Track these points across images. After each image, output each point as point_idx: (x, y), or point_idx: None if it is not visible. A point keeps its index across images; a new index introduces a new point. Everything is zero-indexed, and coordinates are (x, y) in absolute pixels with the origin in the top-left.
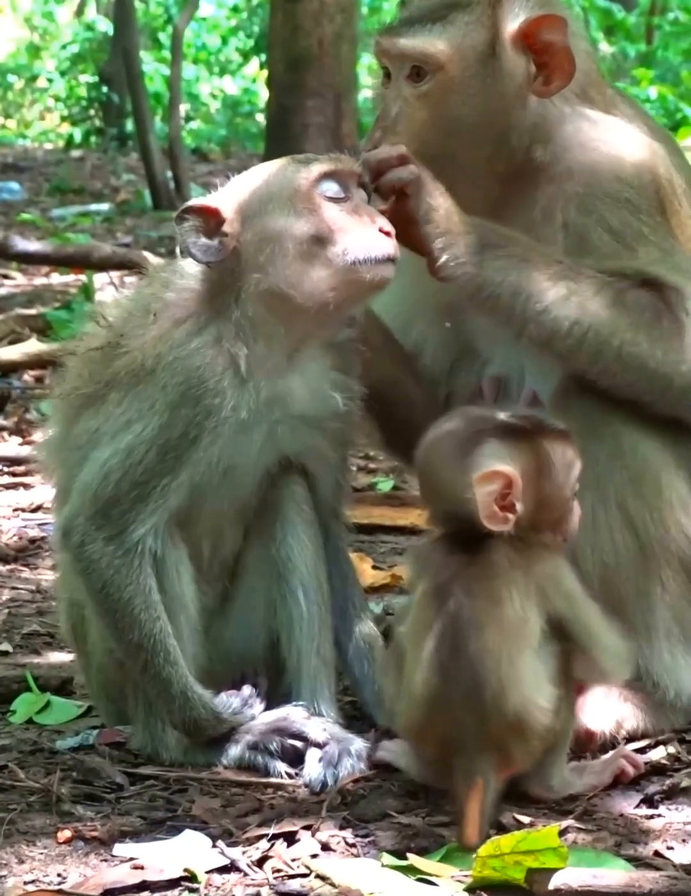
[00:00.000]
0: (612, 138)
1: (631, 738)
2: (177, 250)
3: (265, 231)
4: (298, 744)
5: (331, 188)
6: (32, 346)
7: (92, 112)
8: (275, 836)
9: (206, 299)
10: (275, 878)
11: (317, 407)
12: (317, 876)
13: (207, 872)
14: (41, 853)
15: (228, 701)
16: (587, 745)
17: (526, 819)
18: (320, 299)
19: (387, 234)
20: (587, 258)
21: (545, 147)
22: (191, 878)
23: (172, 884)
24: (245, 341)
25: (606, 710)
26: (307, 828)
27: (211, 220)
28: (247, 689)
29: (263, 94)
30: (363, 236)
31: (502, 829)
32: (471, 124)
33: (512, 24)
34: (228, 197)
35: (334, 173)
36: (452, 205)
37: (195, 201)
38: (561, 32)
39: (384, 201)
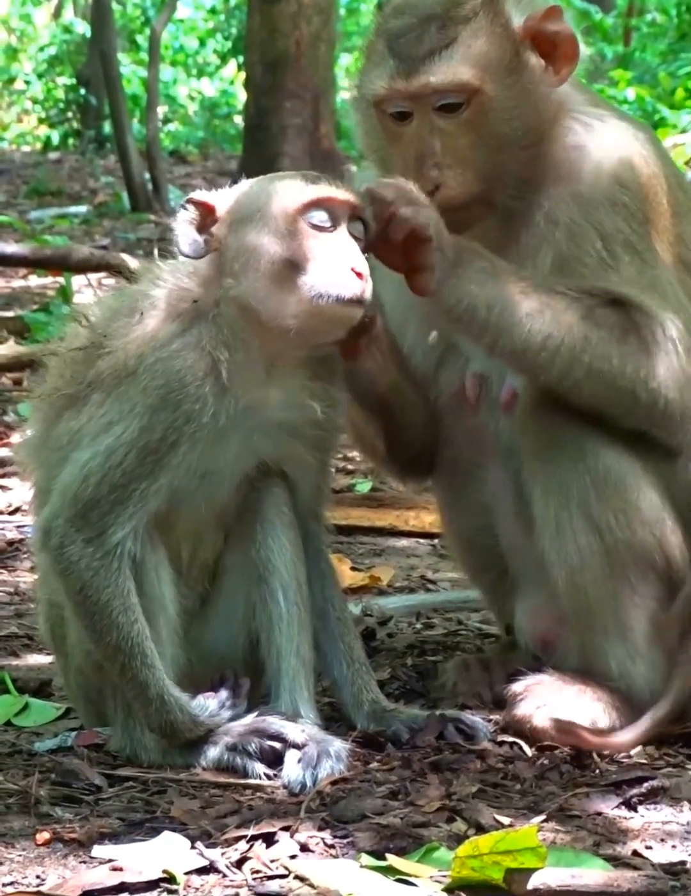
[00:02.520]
0: (612, 138)
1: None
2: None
3: (246, 240)
4: (277, 745)
5: (319, 216)
6: (10, 348)
7: (69, 114)
8: (253, 838)
9: (193, 299)
10: (253, 879)
11: (295, 416)
12: (296, 877)
13: (186, 874)
14: (20, 855)
15: (205, 703)
16: (561, 744)
17: (505, 819)
18: (282, 323)
19: (360, 275)
20: (573, 260)
21: (557, 142)
22: (169, 879)
23: (151, 885)
24: (226, 346)
25: (580, 709)
26: (286, 829)
27: (206, 217)
28: (224, 692)
29: (241, 96)
30: (334, 272)
31: (481, 829)
32: (517, 135)
33: (518, 23)
34: (227, 197)
35: (326, 201)
36: (445, 245)
37: (198, 194)
38: (563, 20)
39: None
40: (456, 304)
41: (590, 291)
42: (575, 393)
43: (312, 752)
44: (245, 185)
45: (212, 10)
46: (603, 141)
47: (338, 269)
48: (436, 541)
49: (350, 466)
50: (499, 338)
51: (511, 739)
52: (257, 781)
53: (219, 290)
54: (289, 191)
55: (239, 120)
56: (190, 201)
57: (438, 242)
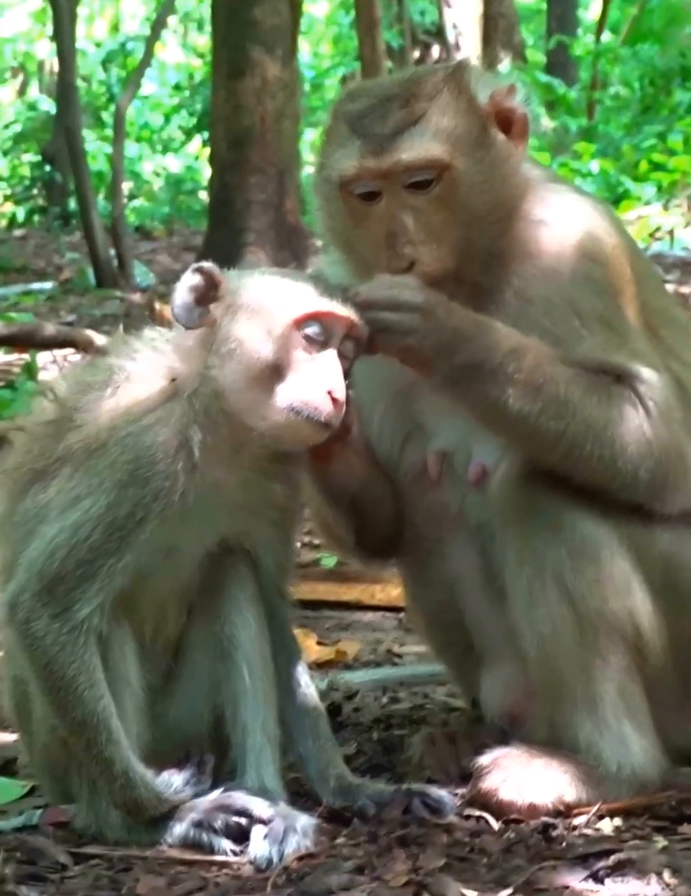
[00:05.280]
0: (575, 212)
1: (572, 811)
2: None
3: (239, 329)
4: (243, 821)
5: (313, 329)
6: None
7: (35, 191)
8: None
9: (173, 375)
10: None
11: (257, 497)
12: None
13: None
14: None
15: (170, 780)
16: (528, 818)
17: (472, 893)
18: (247, 420)
19: (335, 401)
20: (552, 338)
21: (523, 218)
22: None
23: None
24: (198, 425)
25: (547, 782)
26: None
27: (211, 290)
28: (189, 768)
29: (206, 172)
30: (311, 391)
31: None
32: (487, 210)
33: (482, 98)
34: (235, 280)
35: (325, 316)
36: (441, 326)
37: (209, 265)
38: (515, 96)
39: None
40: (459, 400)
41: (599, 365)
42: (575, 473)
43: (279, 828)
44: (256, 273)
45: (177, 87)
46: (567, 216)
47: (315, 388)
48: (401, 615)
49: (315, 541)
50: (510, 431)
51: (477, 813)
52: (223, 858)
53: (201, 367)
54: (294, 296)
55: (204, 195)
56: (200, 270)
57: (433, 349)
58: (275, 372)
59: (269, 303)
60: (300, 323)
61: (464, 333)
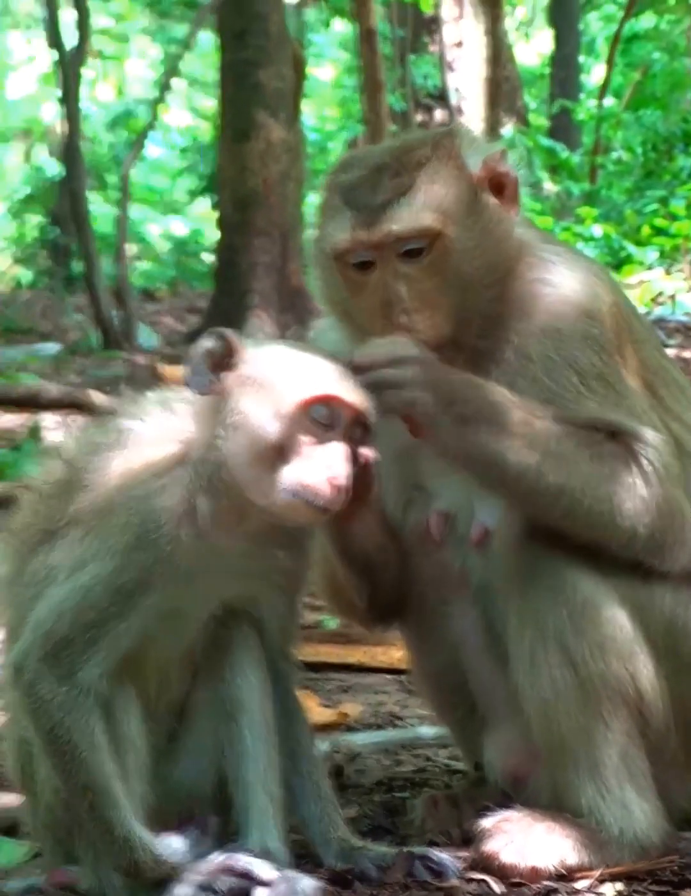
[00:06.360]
0: (573, 272)
1: (574, 875)
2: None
3: (248, 403)
4: (246, 883)
5: (320, 412)
6: None
7: (41, 253)
8: None
9: (181, 437)
10: None
11: (263, 563)
12: None
13: None
14: None
15: (171, 843)
16: (530, 881)
17: None
18: (248, 494)
19: (337, 488)
20: (552, 395)
21: (520, 278)
22: None
23: None
24: (204, 491)
25: (549, 846)
26: None
27: (226, 358)
28: (192, 830)
29: (210, 234)
30: (313, 476)
31: None
32: (480, 274)
33: (474, 164)
34: (252, 351)
35: (334, 400)
36: (440, 378)
37: (229, 333)
38: (506, 161)
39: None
40: (456, 459)
41: (593, 424)
42: (574, 532)
43: (281, 890)
44: (271, 345)
45: (183, 150)
46: (565, 275)
47: (317, 474)
48: (404, 677)
49: (318, 602)
50: (503, 487)
51: (480, 876)
52: None
53: (210, 435)
54: (305, 378)
55: (207, 257)
56: (221, 336)
57: (433, 399)
58: (279, 452)
59: (280, 381)
60: (308, 405)
61: (463, 387)
